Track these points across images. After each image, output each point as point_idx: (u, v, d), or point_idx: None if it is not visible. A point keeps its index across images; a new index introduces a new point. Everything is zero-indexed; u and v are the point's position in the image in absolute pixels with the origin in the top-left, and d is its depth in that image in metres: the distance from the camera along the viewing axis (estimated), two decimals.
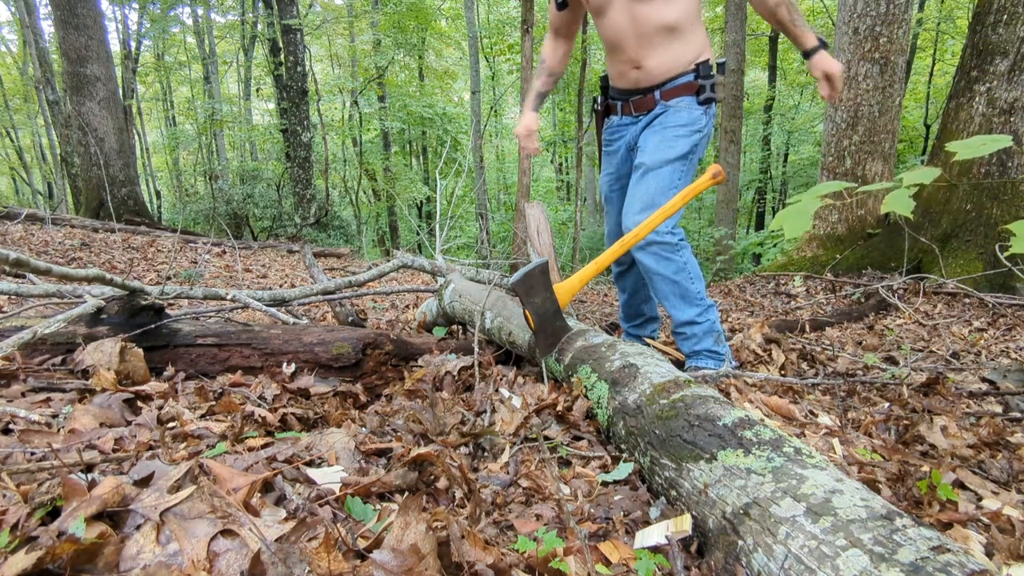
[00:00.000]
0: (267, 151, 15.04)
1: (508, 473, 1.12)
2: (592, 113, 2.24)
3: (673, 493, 0.97)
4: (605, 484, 1.09)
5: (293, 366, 1.62)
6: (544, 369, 1.67)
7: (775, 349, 2.26)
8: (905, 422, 1.44)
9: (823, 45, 1.85)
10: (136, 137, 15.16)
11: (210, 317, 2.21)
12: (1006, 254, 2.67)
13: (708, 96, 1.91)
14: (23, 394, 1.26)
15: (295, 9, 10.02)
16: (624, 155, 2.10)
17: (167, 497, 0.76)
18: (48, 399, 1.25)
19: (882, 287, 3.88)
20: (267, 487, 0.88)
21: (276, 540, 0.72)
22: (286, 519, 0.78)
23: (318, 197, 10.72)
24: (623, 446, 1.19)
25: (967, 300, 3.72)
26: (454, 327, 2.50)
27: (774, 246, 8.60)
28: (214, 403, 1.32)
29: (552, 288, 1.62)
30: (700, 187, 1.80)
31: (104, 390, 1.28)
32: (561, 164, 20.80)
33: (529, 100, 2.15)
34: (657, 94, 1.93)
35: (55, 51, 10.69)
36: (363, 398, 1.56)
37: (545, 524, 0.94)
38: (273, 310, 2.22)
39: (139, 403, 1.28)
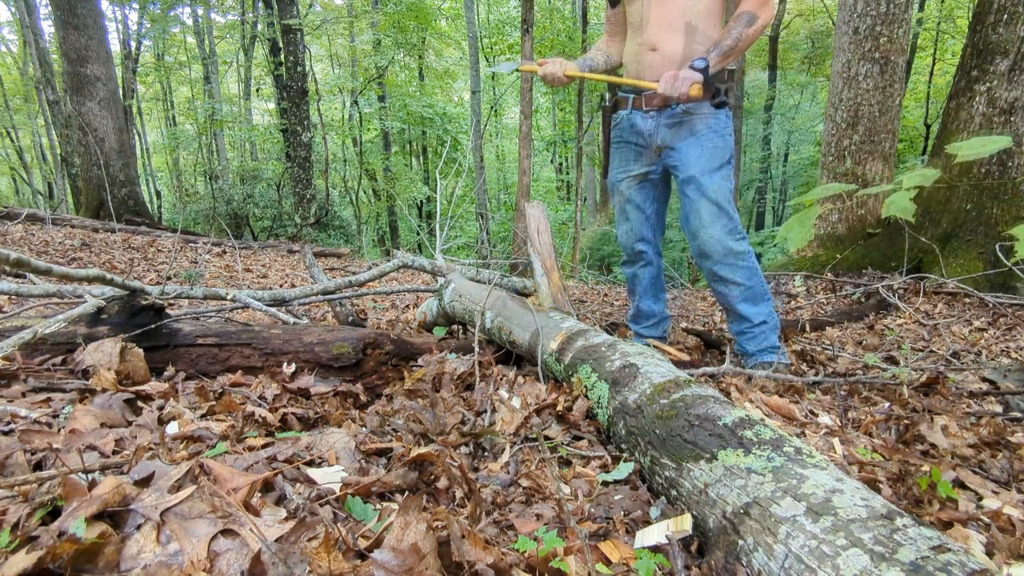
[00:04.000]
0: (267, 151, 15.03)
1: (508, 473, 1.12)
2: (599, 110, 2.26)
3: (673, 493, 0.97)
4: (605, 484, 1.09)
5: (293, 366, 1.62)
6: (540, 368, 1.67)
7: None
8: (905, 422, 1.44)
9: (695, 68, 1.83)
10: (136, 137, 15.16)
11: (210, 317, 2.21)
12: (1011, 260, 2.67)
13: (721, 100, 1.95)
14: (23, 394, 1.26)
15: (295, 9, 10.02)
16: (639, 149, 2.10)
17: (167, 497, 0.76)
18: (48, 399, 1.25)
19: (882, 287, 3.88)
20: (267, 487, 0.88)
21: (276, 540, 0.72)
22: (286, 519, 0.78)
23: (318, 197, 10.72)
24: (623, 446, 1.19)
25: (967, 300, 3.72)
26: (454, 327, 2.50)
27: (774, 246, 8.60)
28: (214, 403, 1.32)
29: None
30: None
31: (104, 390, 1.28)
32: (561, 164, 20.80)
33: (581, 58, 2.10)
34: None
35: (55, 51, 10.70)
36: (363, 398, 1.56)
37: (545, 524, 0.94)
38: (273, 310, 2.22)
39: (139, 403, 1.28)
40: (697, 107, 1.94)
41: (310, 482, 0.93)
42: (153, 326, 1.62)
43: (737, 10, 1.86)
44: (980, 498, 1.08)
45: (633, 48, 2.02)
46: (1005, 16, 4.07)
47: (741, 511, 0.80)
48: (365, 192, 15.35)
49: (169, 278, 4.50)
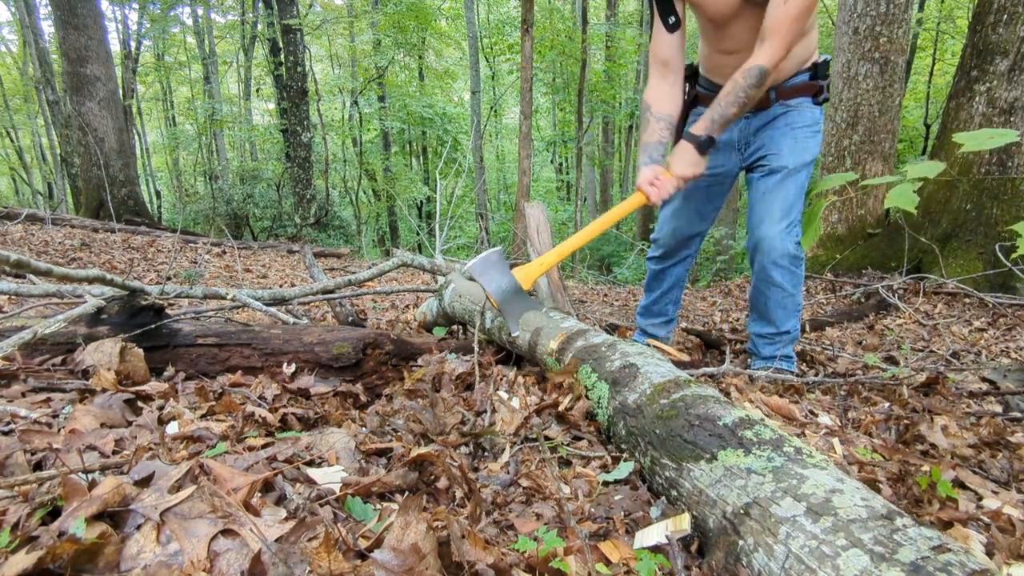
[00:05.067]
0: (267, 151, 15.04)
1: (508, 473, 1.12)
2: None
3: (673, 493, 0.97)
4: (605, 484, 1.09)
5: (293, 366, 1.62)
6: (540, 369, 1.67)
7: None
8: (905, 422, 1.44)
9: (697, 143, 1.66)
10: (136, 137, 15.16)
11: (210, 317, 2.21)
12: (1012, 256, 2.68)
13: (825, 96, 1.88)
14: (23, 394, 1.26)
15: (295, 9, 10.02)
16: (722, 151, 1.98)
17: (167, 497, 0.76)
18: (48, 399, 1.25)
19: (882, 287, 3.88)
20: (267, 487, 0.88)
21: (276, 540, 0.72)
22: (286, 519, 0.78)
23: (318, 197, 10.72)
24: (623, 446, 1.19)
25: (967, 300, 3.72)
26: (454, 327, 2.50)
27: None
28: (214, 403, 1.32)
29: (509, 270, 1.65)
30: (634, 206, 1.77)
31: (104, 390, 1.28)
32: (561, 164, 20.80)
33: (642, 157, 1.80)
34: (772, 93, 1.86)
35: (55, 51, 10.70)
36: (363, 398, 1.56)
37: (545, 524, 0.94)
38: (273, 310, 2.22)
39: (139, 403, 1.28)
40: (798, 102, 1.86)
41: (310, 482, 0.93)
42: (153, 326, 1.62)
43: (748, 62, 1.64)
44: (980, 498, 1.08)
45: (726, 70, 1.79)
46: (1005, 16, 4.07)
47: (741, 511, 0.80)
48: (365, 192, 15.36)
49: (169, 278, 4.50)
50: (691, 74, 2.01)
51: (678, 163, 1.70)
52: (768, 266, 1.90)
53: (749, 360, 2.13)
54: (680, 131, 2.01)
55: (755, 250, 1.92)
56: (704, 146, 1.68)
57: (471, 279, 1.79)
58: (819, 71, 1.85)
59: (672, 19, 1.77)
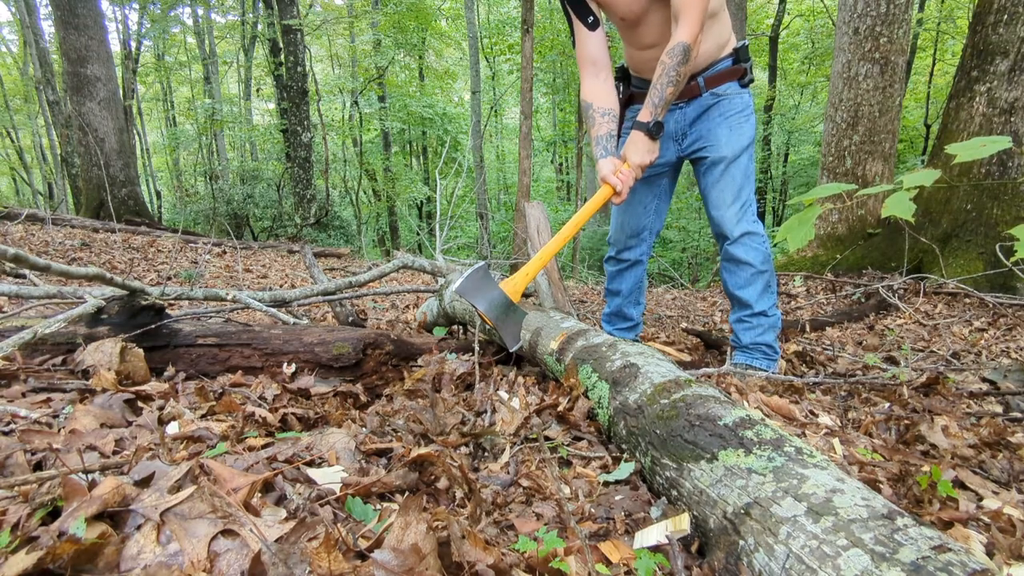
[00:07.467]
0: (267, 151, 15.04)
1: (508, 473, 1.12)
2: None
3: (674, 493, 0.97)
4: (606, 484, 1.09)
5: (293, 366, 1.62)
6: (541, 369, 1.67)
7: None
8: (906, 422, 1.44)
9: (647, 129, 1.73)
10: (136, 137, 15.17)
11: (210, 317, 2.21)
12: (1012, 259, 2.67)
13: (750, 78, 1.94)
14: (23, 394, 1.26)
15: (295, 9, 10.02)
16: (661, 142, 1.98)
17: (167, 497, 0.76)
18: (48, 399, 1.25)
19: (882, 287, 3.88)
20: (267, 487, 0.88)
21: (276, 540, 0.72)
22: (286, 519, 0.78)
23: (318, 197, 10.72)
24: (624, 446, 1.19)
25: (967, 300, 3.72)
26: (454, 327, 2.50)
27: (774, 246, 8.61)
28: (214, 403, 1.32)
29: (497, 285, 1.61)
30: (600, 202, 1.78)
31: (104, 390, 1.28)
32: (561, 164, 20.79)
33: (596, 151, 1.87)
34: (701, 80, 1.91)
35: (55, 51, 10.70)
36: (363, 398, 1.56)
37: (545, 524, 0.94)
38: (273, 310, 2.22)
39: (139, 403, 1.28)
40: (725, 88, 1.91)
41: (310, 482, 0.93)
42: (153, 326, 1.62)
43: (670, 43, 1.69)
44: (980, 498, 1.08)
45: (650, 64, 1.88)
46: (1005, 16, 4.07)
47: (742, 511, 0.80)
48: (365, 192, 15.36)
49: (169, 278, 4.50)
50: (623, 76, 2.07)
51: (633, 153, 1.78)
52: (731, 248, 1.96)
53: (733, 354, 2.07)
54: (620, 131, 2.06)
55: (718, 235, 2.00)
56: (654, 132, 1.74)
57: (460, 295, 1.75)
58: (740, 55, 1.92)
59: (591, 18, 1.85)
